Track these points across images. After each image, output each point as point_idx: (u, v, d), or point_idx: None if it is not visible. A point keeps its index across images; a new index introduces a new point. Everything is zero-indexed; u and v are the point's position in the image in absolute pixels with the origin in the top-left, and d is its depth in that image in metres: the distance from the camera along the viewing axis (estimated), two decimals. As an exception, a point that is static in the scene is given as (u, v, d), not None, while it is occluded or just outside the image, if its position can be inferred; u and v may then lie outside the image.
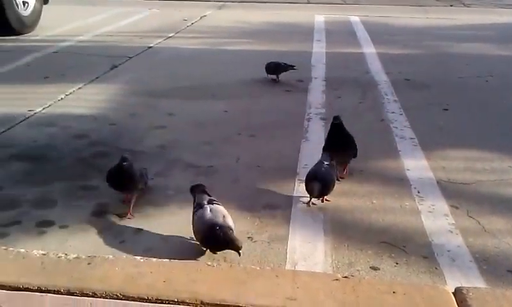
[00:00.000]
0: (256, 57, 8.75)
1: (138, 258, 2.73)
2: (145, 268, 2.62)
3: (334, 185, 4.03)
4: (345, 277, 2.64)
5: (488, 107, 6.41)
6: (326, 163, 4.07)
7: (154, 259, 2.68)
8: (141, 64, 8.40)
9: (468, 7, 15.31)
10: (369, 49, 9.50)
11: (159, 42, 9.83)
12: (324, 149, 4.32)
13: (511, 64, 8.46)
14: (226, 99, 6.63)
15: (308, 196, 3.99)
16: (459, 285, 2.97)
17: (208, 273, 2.58)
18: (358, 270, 3.21)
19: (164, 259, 2.64)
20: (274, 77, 7.42)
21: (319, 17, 12.79)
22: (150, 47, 9.43)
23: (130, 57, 8.61)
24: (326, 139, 4.52)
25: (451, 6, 15.36)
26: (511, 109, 6.29)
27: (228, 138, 5.38)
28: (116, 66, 8.03)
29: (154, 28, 11.10)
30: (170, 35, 10.45)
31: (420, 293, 2.57)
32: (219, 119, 5.97)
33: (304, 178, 4.06)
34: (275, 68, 7.38)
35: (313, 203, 4.02)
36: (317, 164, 4.12)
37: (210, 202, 3.41)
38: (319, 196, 3.99)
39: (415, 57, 9.06)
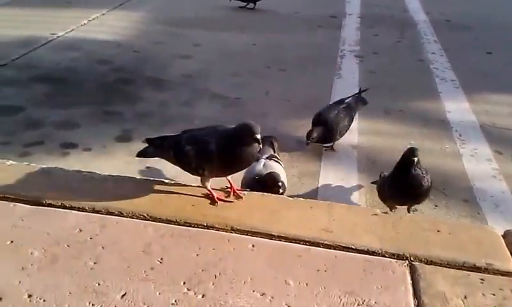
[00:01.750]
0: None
1: (166, 180, 2.60)
2: (173, 192, 2.46)
3: (342, 133, 3.68)
4: (385, 213, 2.44)
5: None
6: (344, 104, 3.74)
7: (183, 183, 2.55)
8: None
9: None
10: (407, -14, 8.98)
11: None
12: (387, 197, 2.98)
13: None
14: (254, 32, 6.35)
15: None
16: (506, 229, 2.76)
17: (238, 201, 2.40)
18: (394, 211, 3.01)
19: (190, 185, 2.49)
20: (250, 5, 7.15)
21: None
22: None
23: (156, -14, 8.29)
24: (389, 178, 2.95)
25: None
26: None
27: (257, 71, 5.14)
28: (144, -5, 7.76)
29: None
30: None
31: (466, 232, 2.36)
32: (248, 51, 5.71)
33: None
34: None
35: (324, 147, 3.74)
36: (335, 102, 3.84)
37: (269, 158, 3.06)
38: (320, 142, 3.66)
39: (456, -3, 8.53)
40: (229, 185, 2.47)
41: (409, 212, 2.93)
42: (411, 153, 2.79)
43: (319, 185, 3.27)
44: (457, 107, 4.44)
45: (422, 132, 4.02)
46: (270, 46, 5.87)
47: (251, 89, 4.69)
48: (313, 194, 3.15)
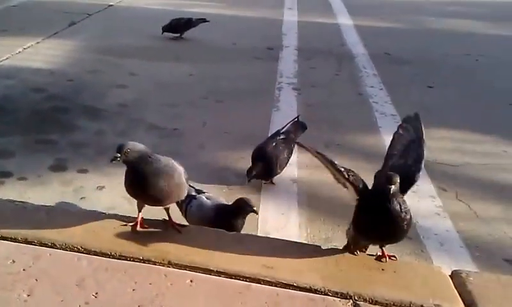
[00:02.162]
0: (224, 23, 8.34)
1: (101, 212, 2.51)
2: (108, 224, 2.39)
3: (283, 166, 3.57)
4: (327, 249, 2.35)
5: (479, 88, 6.00)
6: (282, 136, 3.65)
7: (118, 214, 2.47)
8: (101, 22, 7.93)
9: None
10: (345, 20, 9.06)
11: (120, 1, 9.30)
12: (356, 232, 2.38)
13: (502, 44, 8.09)
14: (191, 62, 6.22)
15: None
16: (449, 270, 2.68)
17: (176, 233, 2.35)
18: (335, 246, 2.89)
19: (128, 215, 2.42)
20: (177, 35, 7.10)
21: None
22: (111, 6, 8.93)
23: (89, 15, 8.13)
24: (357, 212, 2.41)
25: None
26: (505, 92, 5.90)
27: (194, 102, 5.00)
28: (74, 23, 7.59)
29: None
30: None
31: (412, 272, 2.29)
32: (184, 82, 5.57)
33: None
34: (176, 26, 7.06)
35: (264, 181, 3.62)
36: (273, 134, 3.74)
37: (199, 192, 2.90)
38: (261, 178, 3.55)
39: (396, 31, 8.59)
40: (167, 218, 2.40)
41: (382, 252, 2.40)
42: (388, 180, 2.21)
43: (259, 220, 3.12)
44: (397, 143, 4.40)
45: (362, 167, 3.88)
46: (207, 77, 5.76)
47: (188, 120, 4.55)
48: (252, 229, 2.98)
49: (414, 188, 3.52)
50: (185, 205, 2.78)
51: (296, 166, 3.87)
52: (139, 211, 2.35)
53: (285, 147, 3.59)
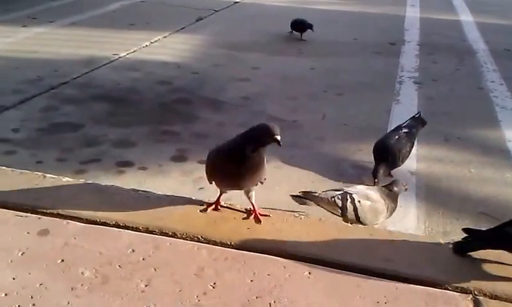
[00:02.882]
0: (346, 19, 8.43)
1: (222, 202, 2.57)
2: (228, 214, 2.45)
3: (404, 159, 3.57)
4: (448, 243, 2.35)
5: None
6: (404, 130, 3.66)
7: (238, 205, 2.53)
8: (227, 18, 8.27)
9: None
10: (466, 17, 8.89)
11: (248, -3, 9.65)
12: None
13: None
14: (313, 56, 6.37)
15: None
16: None
17: (294, 224, 2.39)
18: (453, 240, 2.91)
19: (248, 207, 2.48)
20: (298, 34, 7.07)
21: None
22: (237, 2, 9.27)
23: (216, 11, 8.50)
24: None
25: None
26: None
27: (314, 95, 5.14)
28: (201, 19, 7.95)
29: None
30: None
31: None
32: (305, 75, 5.72)
33: None
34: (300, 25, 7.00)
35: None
36: (394, 129, 3.75)
37: None
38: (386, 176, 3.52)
39: (517, 27, 8.34)
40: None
41: None
42: None
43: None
44: (518, 137, 4.29)
45: (481, 160, 3.90)
46: (328, 71, 5.87)
47: (307, 113, 4.68)
48: (369, 221, 3.08)
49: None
50: None
51: (415, 159, 3.88)
52: (221, 194, 2.44)
53: (407, 141, 3.61)
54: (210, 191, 3.26)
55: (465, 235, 2.28)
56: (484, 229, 2.29)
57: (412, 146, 3.67)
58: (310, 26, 6.88)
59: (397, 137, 3.58)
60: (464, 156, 3.98)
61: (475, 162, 3.89)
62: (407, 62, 6.22)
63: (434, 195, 3.43)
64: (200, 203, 2.57)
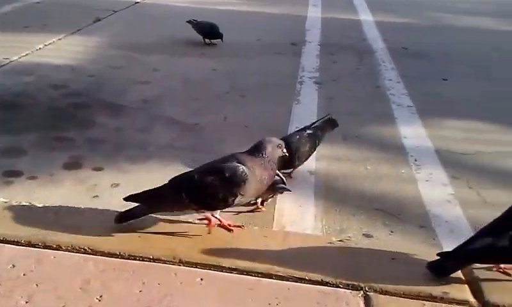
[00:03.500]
0: (248, 19, 8.47)
1: (111, 210, 2.47)
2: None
3: (302, 159, 3.57)
4: (340, 240, 2.40)
5: (490, 80, 6.08)
6: (308, 131, 3.66)
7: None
8: (127, 18, 8.07)
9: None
10: (366, 17, 9.15)
11: (147, -3, 9.47)
12: None
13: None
14: (215, 58, 6.33)
15: None
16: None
17: (187, 230, 2.34)
18: (349, 237, 2.96)
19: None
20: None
21: (315, -16, 12.40)
22: (137, 2, 9.08)
23: (115, 11, 8.27)
24: None
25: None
26: (513, 83, 6.00)
27: (216, 97, 5.11)
28: (99, 20, 7.71)
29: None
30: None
31: (421, 260, 2.34)
32: (207, 77, 5.68)
33: None
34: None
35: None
36: (301, 129, 3.76)
37: None
38: (280, 169, 3.39)
39: (413, 26, 8.73)
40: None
41: None
42: None
43: (275, 212, 3.20)
44: (413, 133, 4.46)
45: (378, 157, 4.02)
46: (230, 72, 5.85)
47: (209, 115, 4.64)
48: (269, 221, 3.08)
49: (427, 177, 3.68)
50: None
51: (314, 158, 3.93)
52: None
53: (308, 141, 3.61)
54: (105, 199, 3.17)
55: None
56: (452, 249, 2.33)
57: (314, 147, 3.69)
58: (221, 36, 6.76)
59: (298, 137, 3.60)
60: (361, 154, 4.08)
61: (372, 159, 4.00)
62: (308, 63, 6.32)
63: (332, 193, 3.49)
64: (91, 211, 2.47)
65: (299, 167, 3.69)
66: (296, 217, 3.17)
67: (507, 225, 2.25)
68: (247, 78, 5.68)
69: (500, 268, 2.32)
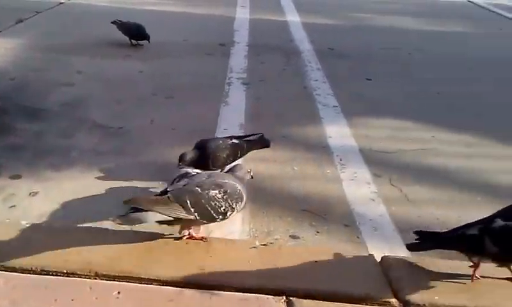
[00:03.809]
0: (176, 20, 8.38)
1: (24, 222, 2.33)
2: (32, 234, 2.27)
3: (217, 164, 3.46)
4: (264, 245, 2.39)
5: (411, 79, 6.32)
6: (234, 140, 3.60)
7: (43, 225, 2.31)
8: (50, 19, 7.81)
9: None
10: (294, 18, 9.27)
11: (71, -2, 9.19)
12: None
13: (433, 39, 8.46)
14: (141, 59, 6.23)
15: None
16: (383, 255, 2.82)
17: (105, 240, 2.26)
18: (276, 239, 2.98)
19: (55, 225, 2.27)
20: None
21: (244, -16, 12.44)
22: (62, 3, 8.79)
23: (38, 12, 7.99)
24: None
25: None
26: (434, 82, 6.23)
27: (142, 99, 5.01)
28: (21, 21, 7.41)
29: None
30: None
31: (345, 262, 2.38)
32: (133, 79, 5.57)
33: None
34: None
35: None
36: (224, 137, 3.71)
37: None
38: (193, 166, 3.37)
39: (339, 27, 8.94)
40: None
41: None
42: None
43: (202, 217, 3.17)
44: (338, 132, 4.54)
45: (304, 157, 4.07)
46: (157, 73, 5.77)
47: (135, 118, 4.54)
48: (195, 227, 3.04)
49: (352, 176, 3.76)
50: None
51: (241, 160, 3.93)
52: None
53: (228, 148, 3.55)
54: (22, 209, 3.03)
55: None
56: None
57: (233, 157, 3.59)
58: (147, 37, 6.64)
59: (220, 142, 3.56)
60: (288, 154, 4.11)
61: (299, 159, 4.04)
62: (236, 64, 6.32)
63: (259, 195, 3.47)
64: (3, 224, 2.34)
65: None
66: (223, 222, 3.13)
67: (482, 222, 2.42)
68: (174, 79, 5.61)
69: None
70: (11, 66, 5.56)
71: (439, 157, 4.25)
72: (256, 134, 3.83)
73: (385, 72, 6.50)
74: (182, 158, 3.33)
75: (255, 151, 3.77)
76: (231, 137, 3.68)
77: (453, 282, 2.41)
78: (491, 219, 2.40)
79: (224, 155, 3.52)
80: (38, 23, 7.49)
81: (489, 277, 2.43)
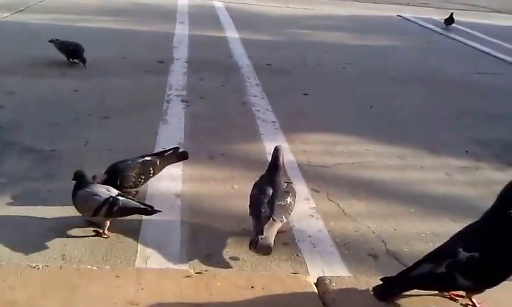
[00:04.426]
0: (115, 37, 8.25)
1: None
2: None
3: (125, 184, 3.42)
4: (199, 272, 2.33)
5: (346, 93, 6.49)
6: (146, 158, 3.59)
7: None
8: (-20, 38, 7.48)
9: (326, -1, 15.77)
10: (232, 34, 9.35)
11: (6, 16, 8.91)
12: None
13: (366, 54, 8.74)
14: (77, 78, 6.08)
15: None
16: (321, 272, 2.84)
17: (31, 276, 2.12)
18: (215, 262, 2.95)
19: None
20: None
21: (182, 0, 12.41)
22: (-3, 20, 8.48)
23: (-33, 31, 7.65)
24: None
25: (311, -4, 15.70)
26: (367, 95, 6.42)
27: (77, 119, 4.88)
28: None
29: (2, 1, 9.99)
30: (20, 9, 9.52)
31: (280, 285, 2.36)
32: (69, 98, 5.42)
33: None
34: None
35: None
36: (137, 157, 3.62)
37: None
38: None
39: (277, 43, 9.05)
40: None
41: None
42: None
43: (139, 243, 3.08)
44: (277, 149, 4.56)
45: (244, 175, 4.04)
46: (93, 92, 5.65)
47: (69, 140, 4.41)
48: (132, 253, 2.94)
49: (290, 193, 3.75)
50: None
51: (181, 180, 3.89)
52: None
53: (137, 167, 3.50)
54: None
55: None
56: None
57: (146, 174, 3.54)
58: (84, 60, 6.43)
59: (130, 161, 3.51)
60: (228, 172, 4.09)
61: (238, 177, 4.02)
62: (175, 81, 6.28)
63: (199, 216, 3.44)
64: None
65: (164, 188, 3.65)
66: (161, 245, 3.07)
67: (445, 254, 2.35)
68: (112, 98, 5.50)
69: (447, 294, 2.45)
70: None
71: (374, 169, 4.35)
72: (172, 148, 3.82)
73: (321, 87, 6.64)
74: (93, 179, 3.29)
75: (195, 170, 3.73)
76: (143, 156, 3.64)
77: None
78: (452, 249, 2.34)
79: (134, 174, 3.48)
80: (-33, 42, 7.18)
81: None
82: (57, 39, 6.61)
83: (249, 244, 2.88)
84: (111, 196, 3.07)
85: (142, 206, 3.16)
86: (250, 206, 3.16)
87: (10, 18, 8.85)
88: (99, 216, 3.06)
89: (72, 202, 3.11)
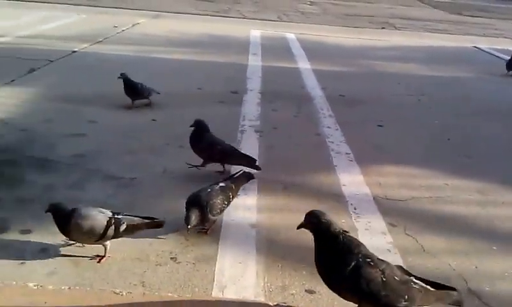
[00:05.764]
0: (190, 68, 8.47)
1: (31, 285, 2.24)
2: (39, 298, 2.16)
3: (214, 212, 3.51)
4: (277, 305, 2.30)
5: (421, 125, 6.36)
6: (220, 184, 3.69)
7: (51, 287, 2.23)
8: (63, 68, 7.87)
9: (398, 30, 15.58)
10: (304, 65, 9.38)
11: (85, 47, 9.30)
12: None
13: (441, 85, 8.54)
14: (155, 108, 6.26)
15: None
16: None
17: (114, 302, 2.16)
18: (292, 294, 2.92)
19: (64, 287, 2.19)
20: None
21: (255, 32, 12.62)
22: (75, 51, 8.89)
23: (51, 61, 8.05)
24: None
25: (383, 28, 15.58)
26: (443, 127, 6.26)
27: (155, 148, 5.01)
28: (34, 70, 7.45)
29: (82, 33, 10.49)
30: (98, 40, 9.94)
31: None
32: (147, 128, 5.58)
33: None
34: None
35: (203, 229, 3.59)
36: (210, 184, 3.72)
37: None
38: (201, 225, 3.51)
39: (349, 74, 9.02)
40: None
41: None
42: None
43: (215, 271, 3.11)
44: (351, 180, 4.51)
45: (319, 207, 3.97)
46: (170, 122, 5.78)
47: (147, 168, 4.52)
48: (208, 282, 2.98)
49: (367, 225, 3.70)
50: None
51: (256, 210, 3.90)
52: None
53: (219, 193, 3.59)
54: (33, 265, 2.98)
55: None
56: None
57: (227, 199, 3.64)
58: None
59: (209, 190, 3.58)
60: (301, 204, 4.05)
61: (311, 207, 3.96)
62: (249, 111, 6.34)
63: (274, 247, 3.43)
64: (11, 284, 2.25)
65: (239, 219, 3.67)
66: (237, 275, 3.08)
67: None
68: (186, 128, 5.60)
69: None
70: (22, 117, 5.56)
71: (453, 204, 4.21)
72: (236, 172, 3.98)
73: (396, 118, 6.53)
74: (188, 222, 3.37)
75: (271, 200, 3.76)
76: (216, 183, 3.72)
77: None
78: None
79: (219, 200, 3.56)
80: (50, 72, 7.53)
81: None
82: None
83: None
84: (113, 217, 3.11)
85: (147, 221, 3.25)
86: None
87: (89, 49, 9.23)
88: (104, 239, 3.07)
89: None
